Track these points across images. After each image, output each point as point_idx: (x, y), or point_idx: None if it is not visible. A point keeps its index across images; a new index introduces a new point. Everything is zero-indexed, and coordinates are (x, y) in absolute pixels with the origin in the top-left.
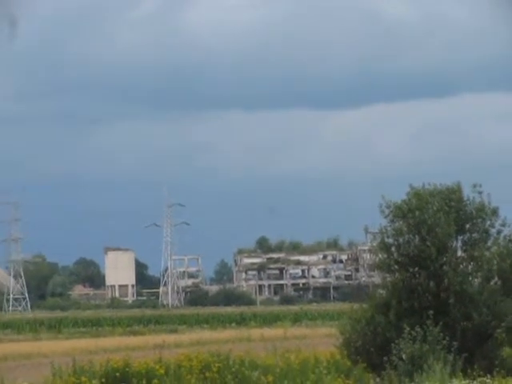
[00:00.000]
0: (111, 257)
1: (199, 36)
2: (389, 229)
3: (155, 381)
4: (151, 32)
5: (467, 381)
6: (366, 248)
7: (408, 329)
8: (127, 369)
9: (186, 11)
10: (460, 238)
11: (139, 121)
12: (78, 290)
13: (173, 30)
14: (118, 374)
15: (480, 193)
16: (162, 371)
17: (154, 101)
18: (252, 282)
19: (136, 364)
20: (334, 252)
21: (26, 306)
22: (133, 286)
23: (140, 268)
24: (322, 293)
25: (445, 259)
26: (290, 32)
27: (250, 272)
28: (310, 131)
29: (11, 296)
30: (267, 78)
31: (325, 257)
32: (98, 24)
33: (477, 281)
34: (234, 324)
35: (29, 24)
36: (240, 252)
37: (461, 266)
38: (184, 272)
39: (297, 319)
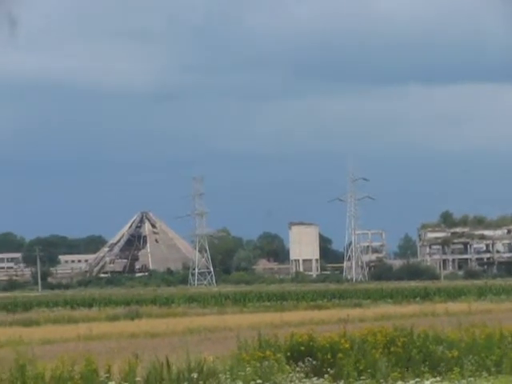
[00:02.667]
0: (295, 231)
1: (379, 9)
2: None
3: (340, 355)
4: (328, 5)
5: None
6: None
7: None
8: (312, 343)
9: None
10: None
11: (316, 95)
12: (262, 265)
13: (352, 3)
14: (302, 348)
15: None
16: (347, 345)
17: (332, 74)
18: (436, 257)
19: (321, 338)
20: None
21: (211, 279)
22: (317, 260)
23: (324, 242)
24: (507, 267)
25: None
26: (462, 5)
27: (433, 246)
28: (491, 105)
29: (196, 270)
30: (445, 52)
31: (509, 231)
32: None
33: None
34: (418, 299)
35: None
36: (424, 226)
37: None
38: (368, 246)
39: (481, 294)
